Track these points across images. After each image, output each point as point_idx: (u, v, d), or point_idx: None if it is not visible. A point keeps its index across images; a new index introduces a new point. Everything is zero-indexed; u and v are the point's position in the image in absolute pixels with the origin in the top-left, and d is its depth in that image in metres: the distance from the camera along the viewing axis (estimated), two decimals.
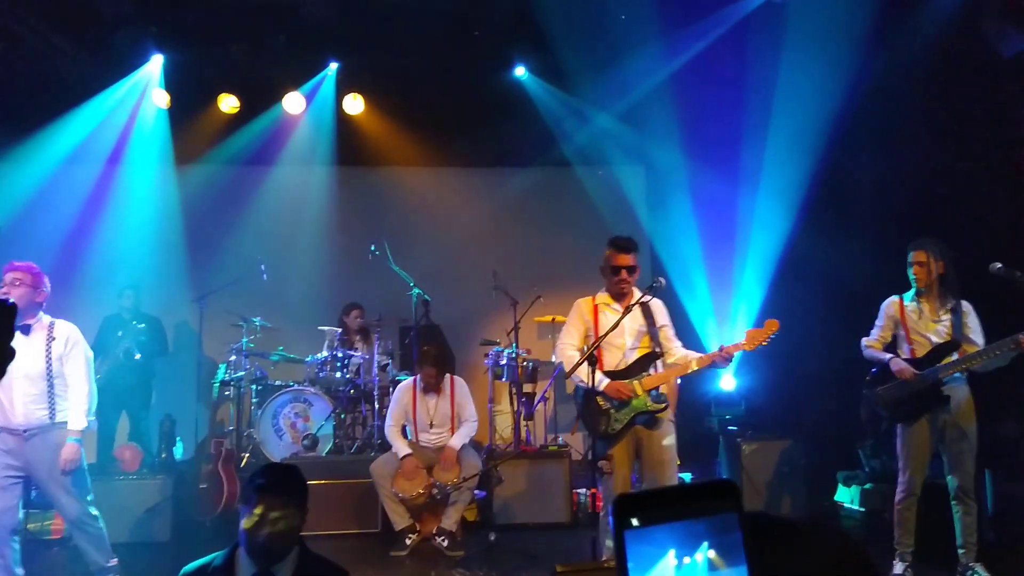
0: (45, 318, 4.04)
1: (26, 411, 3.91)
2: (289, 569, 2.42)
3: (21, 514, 4.26)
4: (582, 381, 3.97)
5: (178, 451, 6.43)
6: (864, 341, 4.52)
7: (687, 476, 6.63)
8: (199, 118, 7.44)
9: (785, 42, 6.03)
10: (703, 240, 7.48)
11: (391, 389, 6.48)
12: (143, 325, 6.52)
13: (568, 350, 4.12)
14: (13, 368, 3.79)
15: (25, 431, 3.90)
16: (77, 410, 4.01)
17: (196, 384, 7.06)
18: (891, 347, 4.45)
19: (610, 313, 4.08)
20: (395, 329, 7.51)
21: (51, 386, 3.96)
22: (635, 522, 0.69)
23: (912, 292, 4.37)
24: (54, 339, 4.01)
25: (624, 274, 4.02)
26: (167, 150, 7.54)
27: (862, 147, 6.54)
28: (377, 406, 6.49)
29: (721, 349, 3.90)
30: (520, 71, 7.48)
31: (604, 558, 4.20)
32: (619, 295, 4.10)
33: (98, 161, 7.54)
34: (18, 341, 3.82)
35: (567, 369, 4.03)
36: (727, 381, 7.18)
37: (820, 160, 6.42)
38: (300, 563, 2.46)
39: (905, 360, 4.28)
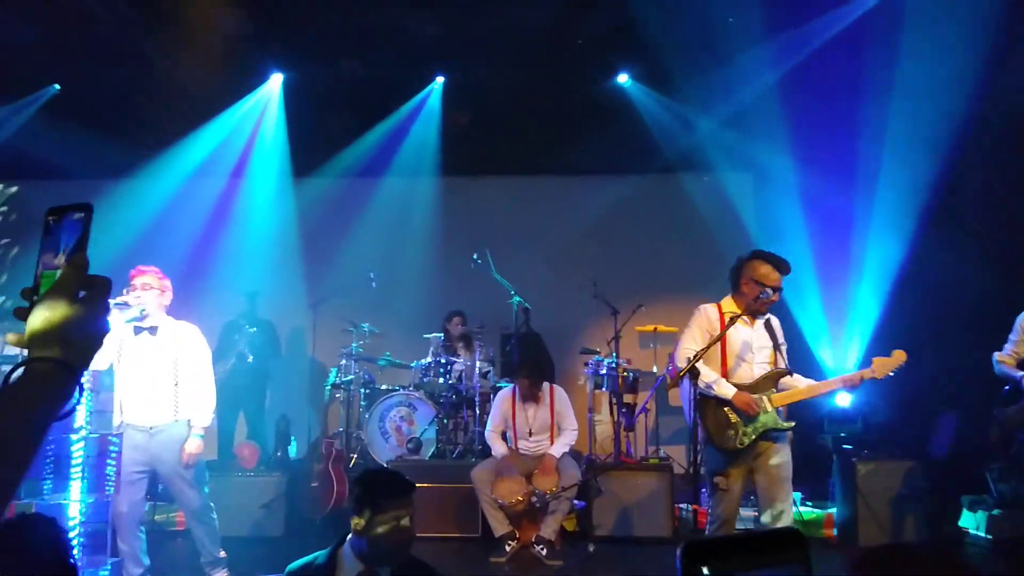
0: (170, 320, 4.29)
1: (152, 409, 4.14)
2: (388, 570, 2.50)
3: (147, 506, 4.57)
4: (709, 389, 3.82)
5: (292, 450, 6.75)
6: (996, 356, 4.20)
7: (798, 496, 6.37)
8: (315, 133, 7.82)
9: (902, 43, 5.70)
10: (815, 251, 7.15)
11: (492, 396, 6.57)
12: (255, 329, 6.90)
13: (690, 355, 3.82)
14: (140, 368, 4.11)
15: (151, 428, 4.14)
16: (201, 408, 4.24)
17: (309, 386, 7.39)
18: None
19: (740, 324, 3.92)
20: (496, 336, 7.59)
21: (175, 385, 4.19)
22: (705, 571, 0.68)
23: None
24: (179, 340, 4.24)
25: (775, 295, 3.88)
26: (286, 164, 7.98)
27: (984, 153, 6.09)
28: (478, 412, 6.58)
29: (857, 374, 3.84)
30: (623, 78, 7.42)
31: None
32: (756, 311, 3.94)
33: (223, 175, 8.09)
34: (145, 341, 4.14)
35: (680, 369, 3.84)
36: (842, 397, 6.84)
37: (940, 167, 6.02)
38: (401, 564, 2.53)
39: None
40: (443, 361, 6.78)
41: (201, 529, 4.30)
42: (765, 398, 3.84)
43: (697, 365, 3.72)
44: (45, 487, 3.43)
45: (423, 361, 6.85)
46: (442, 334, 7.14)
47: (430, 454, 6.42)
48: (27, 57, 6.81)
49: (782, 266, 3.90)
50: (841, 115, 6.42)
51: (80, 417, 3.48)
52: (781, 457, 3.88)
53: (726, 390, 3.82)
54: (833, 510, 5.97)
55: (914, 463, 5.62)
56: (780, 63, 6.41)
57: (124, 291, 4.09)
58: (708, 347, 3.76)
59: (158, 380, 4.16)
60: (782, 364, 3.91)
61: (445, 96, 7.71)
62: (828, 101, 6.44)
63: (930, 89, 5.72)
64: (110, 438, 3.61)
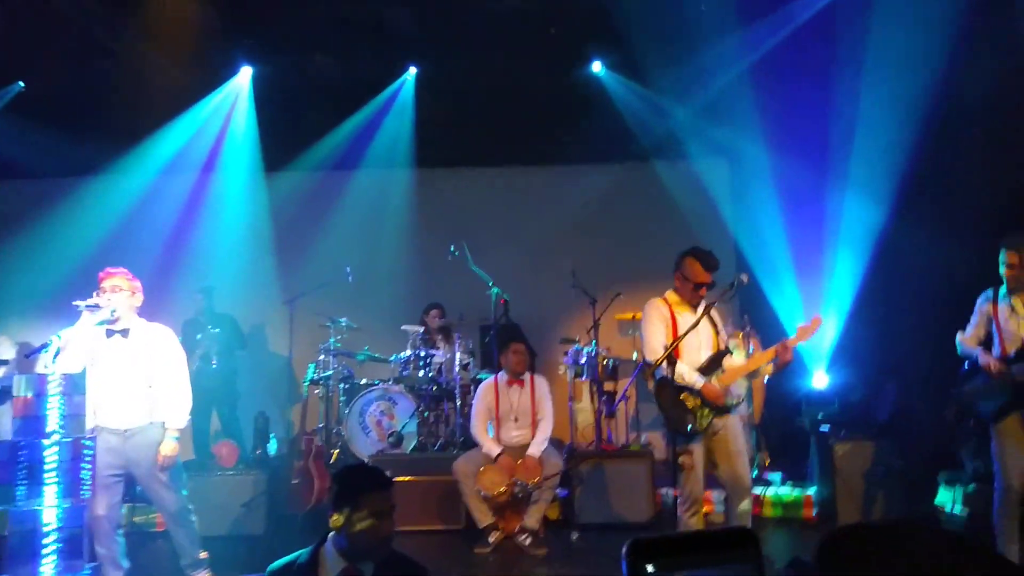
0: (142, 322, 4.23)
1: (126, 412, 4.09)
2: (371, 566, 2.49)
3: (125, 509, 4.50)
4: (681, 379, 4.10)
5: (272, 447, 6.70)
6: (959, 336, 4.32)
7: (777, 476, 6.46)
8: (286, 126, 7.73)
9: (873, 23, 5.74)
10: (790, 235, 7.22)
11: (473, 388, 6.56)
12: (217, 330, 6.83)
13: (659, 348, 4.27)
14: (113, 371, 4.04)
15: (126, 431, 4.09)
16: (175, 409, 4.20)
17: (287, 383, 7.33)
18: (987, 344, 4.20)
19: (686, 314, 4.34)
20: (476, 328, 7.58)
21: (149, 387, 4.14)
22: (650, 568, 0.67)
23: (1004, 289, 4.13)
24: (151, 342, 4.19)
25: (704, 290, 4.34)
26: (257, 158, 7.89)
27: (961, 135, 6.16)
28: (459, 404, 6.57)
29: (781, 343, 4.22)
30: (597, 67, 7.40)
31: None
32: (694, 304, 4.37)
33: (193, 170, 7.97)
34: (117, 344, 4.07)
35: (653, 363, 4.19)
36: (819, 378, 6.93)
37: (915, 149, 6.08)
38: (383, 559, 2.52)
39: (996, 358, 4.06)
40: (423, 354, 6.76)
41: (180, 531, 4.26)
42: (714, 379, 4.24)
43: (662, 352, 4.11)
44: (19, 493, 3.37)
45: (402, 355, 6.82)
46: (421, 327, 7.11)
47: (411, 447, 6.40)
48: None
49: (710, 263, 4.33)
50: (813, 98, 6.47)
51: (53, 421, 3.41)
52: (735, 430, 4.27)
53: (695, 379, 4.18)
54: (812, 490, 6.04)
55: (890, 442, 5.70)
56: (752, 49, 6.44)
57: (94, 293, 4.02)
58: (679, 340, 4.11)
59: (131, 383, 4.11)
60: (723, 346, 4.34)
61: (418, 87, 7.65)
62: (800, 85, 6.48)
63: (901, 68, 5.76)
64: (83, 441, 3.55)
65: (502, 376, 5.77)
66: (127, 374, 4.10)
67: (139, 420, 4.12)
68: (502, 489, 5.29)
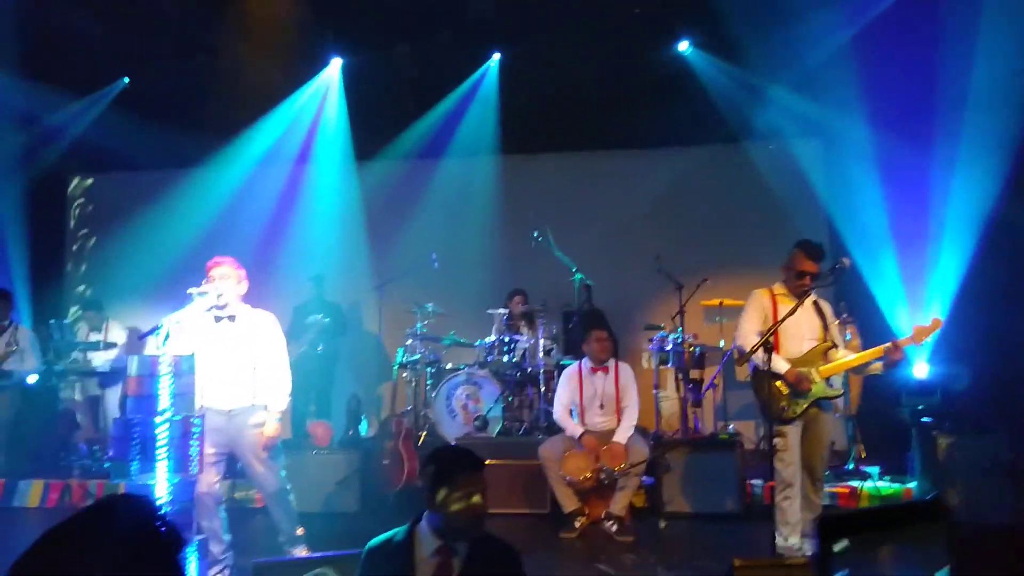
0: (247, 308, 4.41)
1: (231, 393, 4.26)
2: (465, 545, 2.53)
3: (226, 485, 4.71)
4: (764, 366, 4.10)
5: (363, 428, 6.90)
6: None
7: (875, 470, 6.21)
8: (375, 116, 7.90)
9: None
10: (891, 216, 6.87)
11: (556, 373, 6.57)
12: (328, 319, 7.07)
13: (751, 336, 4.37)
14: (220, 354, 4.24)
15: (230, 411, 4.27)
16: (277, 392, 4.35)
17: (377, 366, 7.52)
18: None
19: (788, 304, 4.37)
20: (558, 314, 7.57)
21: (253, 370, 4.30)
22: (842, 544, 0.65)
23: None
24: (255, 327, 4.36)
25: (808, 280, 4.38)
26: (348, 148, 8.11)
27: None
28: (543, 389, 6.59)
29: (892, 343, 4.28)
30: (684, 46, 7.23)
31: (784, 555, 4.07)
32: (797, 294, 4.40)
33: (288, 161, 8.27)
34: (224, 329, 4.27)
35: (746, 352, 4.26)
36: (920, 368, 6.60)
37: None
38: (476, 539, 2.55)
39: None
40: (506, 340, 6.81)
41: (279, 508, 4.43)
42: (813, 370, 4.32)
43: (755, 342, 4.12)
44: (132, 468, 3.59)
45: (487, 340, 6.89)
46: (505, 312, 7.16)
47: (497, 431, 6.47)
48: (97, 52, 7.06)
49: (813, 253, 4.39)
50: (918, 71, 6.11)
51: (164, 400, 3.61)
52: (825, 425, 4.41)
53: (780, 366, 4.27)
54: (913, 485, 5.79)
55: (998, 435, 5.39)
56: (852, 21, 6.13)
57: (203, 281, 4.21)
58: (775, 327, 4.13)
59: (237, 366, 4.27)
60: (829, 340, 4.41)
61: (501, 73, 7.67)
62: (904, 58, 6.12)
63: (1018, 40, 5.37)
64: (192, 420, 3.74)
65: (586, 363, 5.75)
66: (233, 357, 4.27)
67: (243, 401, 4.28)
68: (587, 475, 5.29)
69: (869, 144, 6.91)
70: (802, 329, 4.38)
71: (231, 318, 4.30)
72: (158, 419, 3.59)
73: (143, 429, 3.58)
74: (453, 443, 6.24)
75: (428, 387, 7.00)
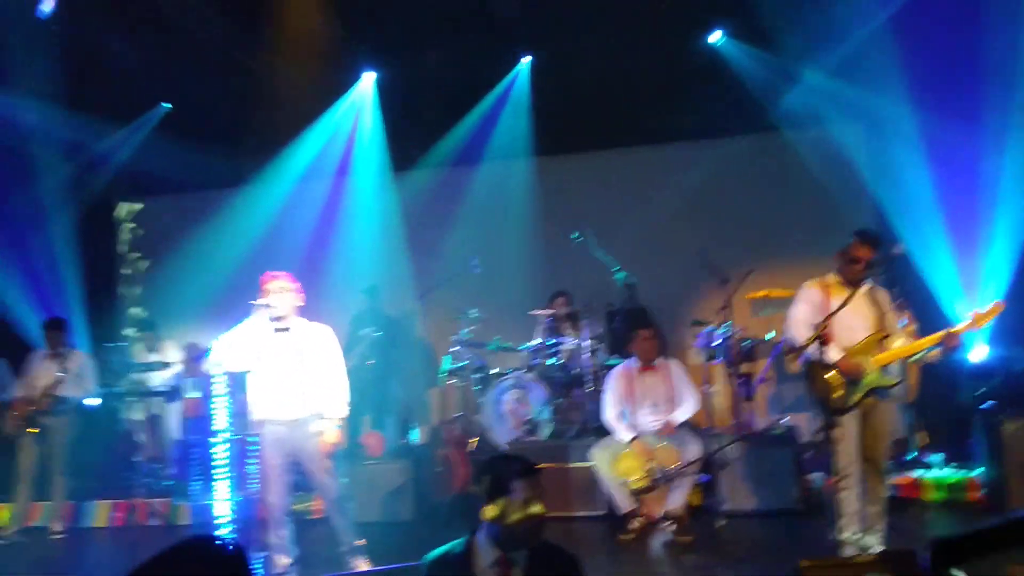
0: (303, 321, 4.50)
1: (292, 404, 4.34)
2: (524, 554, 2.51)
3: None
4: (816, 356, 4.09)
5: (414, 436, 6.94)
6: None
7: (938, 458, 6.04)
8: (410, 126, 7.97)
9: None
10: (941, 198, 6.67)
11: (603, 374, 6.52)
12: (380, 332, 7.14)
13: (800, 327, 4.32)
14: (280, 366, 4.32)
15: (292, 421, 4.34)
16: (336, 400, 4.44)
17: (425, 374, 7.55)
18: None
19: (841, 294, 4.29)
20: (602, 314, 7.51)
21: (312, 381, 4.38)
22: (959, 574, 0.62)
23: None
24: (312, 339, 4.45)
25: (862, 265, 4.29)
26: (385, 159, 8.20)
27: None
28: (591, 390, 6.55)
29: (947, 331, 4.17)
30: (716, 36, 7.12)
31: (847, 551, 3.99)
32: (854, 283, 4.31)
33: (328, 175, 8.40)
34: (282, 341, 4.35)
35: (799, 345, 4.23)
36: (978, 351, 6.39)
37: None
38: (533, 548, 2.54)
39: None
40: (551, 342, 6.79)
41: (340, 517, 4.49)
42: (869, 359, 4.20)
43: (805, 334, 4.19)
44: (194, 488, 3.67)
45: (532, 343, 6.88)
46: (549, 315, 7.13)
47: (547, 435, 6.45)
48: (138, 80, 7.26)
49: (869, 240, 4.31)
50: (963, 48, 5.92)
51: (221, 420, 3.69)
52: (883, 415, 4.31)
53: (832, 355, 4.19)
54: (978, 472, 5.61)
55: None
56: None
57: (259, 296, 4.30)
58: (829, 318, 4.07)
59: (296, 376, 4.35)
60: (885, 329, 4.30)
61: (533, 76, 7.66)
62: (948, 34, 5.94)
63: None
64: (248, 438, 3.81)
65: (634, 362, 5.70)
66: (292, 369, 4.35)
67: (303, 411, 4.36)
68: (641, 475, 5.24)
69: (914, 125, 6.71)
70: (856, 319, 4.28)
71: (288, 330, 4.39)
72: (215, 439, 3.66)
73: (202, 450, 3.66)
74: (504, 448, 6.25)
75: (476, 393, 7.00)
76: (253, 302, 4.23)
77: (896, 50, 6.22)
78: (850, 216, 6.77)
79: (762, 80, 7.15)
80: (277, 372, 4.32)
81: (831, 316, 4.04)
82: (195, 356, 5.05)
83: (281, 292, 4.33)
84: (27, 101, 7.37)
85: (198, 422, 4.56)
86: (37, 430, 6.15)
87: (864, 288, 4.33)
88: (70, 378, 6.29)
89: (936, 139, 6.60)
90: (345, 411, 4.49)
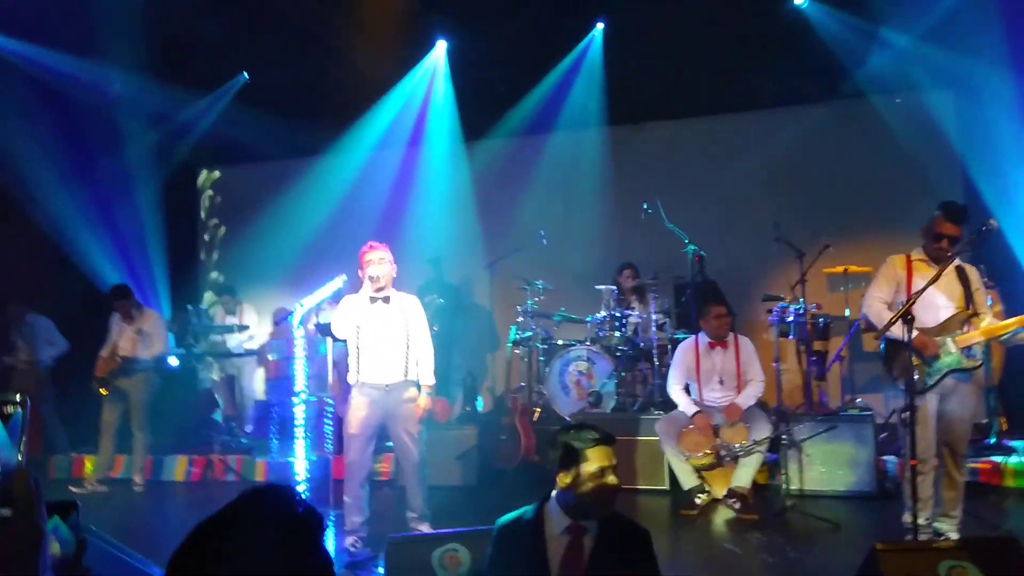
0: (395, 291, 4.65)
1: (388, 369, 4.51)
2: (595, 524, 2.53)
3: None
4: (899, 335, 3.89)
5: (479, 404, 7.04)
6: None
7: (1020, 444, 5.78)
8: (482, 95, 7.94)
9: None
10: None
11: (669, 348, 6.46)
12: (443, 300, 7.23)
13: (877, 304, 4.21)
14: (378, 333, 4.45)
15: (387, 386, 4.51)
16: (426, 368, 4.63)
17: (490, 343, 7.63)
18: None
19: (925, 271, 4.13)
20: (670, 287, 7.41)
21: (406, 348, 4.56)
22: None
23: None
24: (406, 308, 4.63)
25: (945, 243, 4.11)
26: (456, 129, 8.24)
27: None
28: (657, 364, 6.50)
29: None
30: None
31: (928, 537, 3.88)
32: (939, 260, 4.12)
33: (401, 145, 8.49)
34: (380, 310, 4.49)
35: (877, 324, 4.07)
36: None
37: None
38: (604, 518, 2.55)
39: None
40: (617, 315, 6.74)
41: (415, 481, 4.62)
42: (949, 340, 4.05)
43: (883, 312, 4.08)
44: (272, 446, 3.82)
45: (598, 315, 6.84)
46: (615, 287, 7.09)
47: (611, 407, 6.44)
48: (218, 50, 7.44)
49: (952, 214, 4.11)
50: None
51: (299, 382, 3.81)
52: (963, 398, 4.11)
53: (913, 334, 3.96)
54: None
55: None
56: None
57: (360, 267, 4.48)
58: (916, 297, 3.81)
59: (393, 344, 4.51)
60: (970, 308, 4.12)
61: (606, 43, 7.52)
62: None
63: None
64: (326, 399, 3.94)
65: (703, 338, 5.63)
66: (389, 336, 4.52)
67: (398, 377, 4.52)
68: (706, 451, 5.19)
69: (1010, 94, 6.32)
70: (939, 297, 4.11)
71: (385, 299, 4.54)
72: (295, 400, 3.79)
73: (281, 410, 3.80)
74: (568, 419, 6.27)
75: (541, 363, 7.04)
76: (364, 274, 4.40)
77: (993, 11, 5.84)
78: (937, 189, 6.47)
79: (847, 44, 6.84)
80: (374, 339, 4.49)
81: (919, 294, 3.84)
82: (278, 320, 5.21)
83: (381, 263, 4.48)
84: (116, 71, 7.67)
85: (279, 383, 4.74)
86: (106, 391, 6.39)
87: (952, 264, 4.12)
88: (141, 339, 6.52)
89: None
90: (434, 379, 4.68)
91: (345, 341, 4.36)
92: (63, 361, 7.36)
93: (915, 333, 3.93)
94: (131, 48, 7.09)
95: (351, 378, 4.50)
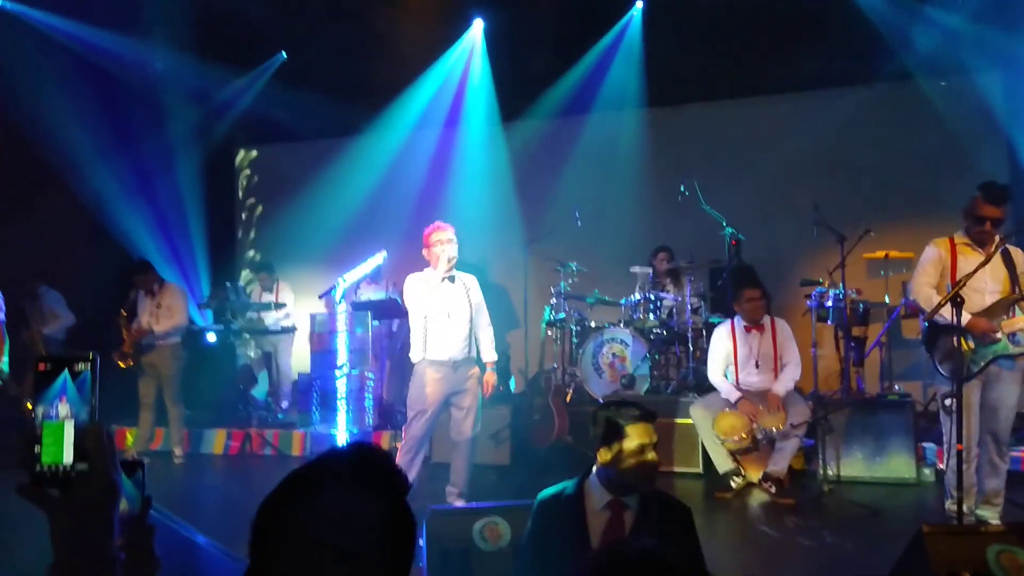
0: (456, 270, 4.73)
1: (456, 346, 4.60)
2: (636, 499, 2.53)
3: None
4: (947, 321, 3.81)
5: (511, 385, 7.05)
6: None
7: None
8: (519, 75, 7.90)
9: None
10: None
11: (704, 332, 6.41)
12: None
13: (926, 289, 4.12)
14: (446, 310, 4.54)
15: (453, 361, 4.61)
16: (488, 345, 4.79)
17: (524, 324, 7.61)
18: None
19: (969, 254, 4.09)
20: (706, 270, 7.34)
21: (470, 325, 4.67)
22: None
23: None
24: (469, 287, 4.74)
25: (988, 226, 4.03)
26: (494, 109, 8.22)
27: None
28: (691, 348, 6.46)
29: None
30: None
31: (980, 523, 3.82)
32: (980, 242, 4.10)
33: (438, 125, 8.49)
34: (446, 288, 4.60)
35: (926, 309, 3.98)
36: None
37: None
38: (644, 494, 2.55)
39: None
40: (652, 298, 6.71)
41: (462, 458, 4.70)
42: (996, 324, 3.96)
43: (933, 297, 3.97)
44: (314, 418, 3.89)
45: (632, 298, 6.81)
46: (650, 270, 7.04)
47: (644, 390, 6.43)
48: (256, 30, 7.49)
49: (993, 195, 4.00)
50: None
51: (342, 355, 3.86)
52: (1007, 385, 4.03)
53: (962, 318, 3.85)
54: None
55: None
56: None
57: (428, 245, 4.59)
58: (964, 281, 3.73)
59: (459, 321, 4.63)
60: (1016, 292, 4.02)
61: (645, 23, 7.42)
62: None
63: None
64: (367, 374, 3.98)
65: (739, 321, 5.59)
66: (456, 313, 4.63)
67: (464, 353, 4.64)
68: (742, 435, 5.16)
69: None
70: (984, 281, 4.03)
71: (451, 278, 4.65)
72: (337, 372, 3.83)
73: (323, 382, 3.84)
74: (601, 401, 6.27)
75: (574, 345, 7.03)
76: (448, 262, 4.55)
77: None
78: (982, 172, 6.28)
79: (892, 23, 6.67)
80: (441, 316, 4.59)
81: (968, 277, 3.75)
82: (321, 294, 5.27)
83: (451, 243, 4.59)
84: (157, 49, 7.76)
85: (321, 356, 4.80)
86: (124, 364, 6.39)
87: (1000, 248, 4.04)
88: (163, 313, 6.49)
89: None
90: (495, 356, 4.84)
91: (400, 318, 4.41)
92: (95, 334, 7.40)
93: (968, 317, 3.90)
94: (172, 26, 7.17)
95: (416, 355, 4.60)
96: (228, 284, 8.03)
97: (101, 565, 0.95)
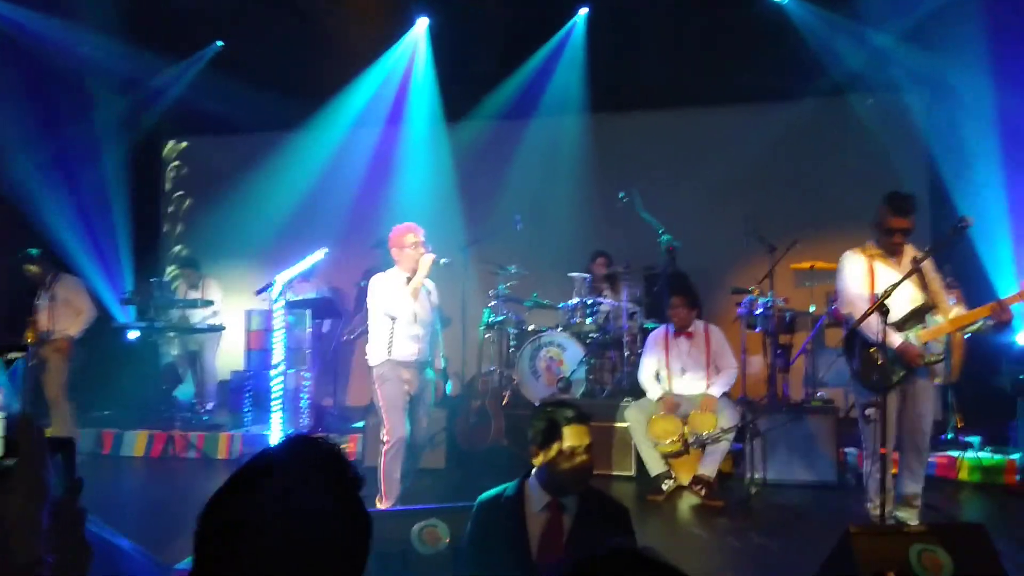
0: None
1: (421, 348, 4.66)
2: (575, 501, 2.55)
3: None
4: (878, 336, 3.84)
5: (448, 387, 6.99)
6: None
7: (976, 439, 5.97)
8: (463, 76, 7.86)
9: None
10: (1006, 174, 6.44)
11: (640, 337, 6.51)
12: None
13: (860, 302, 4.11)
14: (413, 312, 4.51)
15: (417, 363, 4.64)
16: (440, 349, 4.91)
17: (462, 326, 7.57)
18: None
19: (883, 265, 4.16)
20: (641, 276, 7.45)
21: (432, 328, 4.75)
22: None
23: None
24: (429, 290, 4.77)
25: (898, 237, 4.09)
26: (437, 109, 8.14)
27: None
28: (627, 353, 6.55)
29: (998, 302, 3.95)
30: None
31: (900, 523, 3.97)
32: (891, 252, 4.17)
33: (379, 123, 8.35)
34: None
35: (855, 317, 3.99)
36: (1022, 335, 6.24)
37: None
38: (583, 496, 2.57)
39: None
40: (589, 302, 6.77)
41: (414, 456, 4.74)
42: (911, 334, 4.04)
43: (863, 307, 3.93)
44: (246, 419, 3.76)
45: (570, 302, 6.86)
46: (587, 275, 7.11)
47: (580, 393, 6.47)
48: (191, 16, 7.23)
49: (899, 206, 4.05)
50: None
51: (277, 353, 3.75)
52: (924, 392, 4.13)
53: (893, 339, 3.93)
54: (1016, 456, 5.57)
55: None
56: None
57: (394, 249, 4.62)
58: (888, 293, 3.75)
59: (425, 324, 4.69)
60: (927, 299, 4.09)
61: (589, 28, 7.49)
62: None
63: None
64: (303, 373, 3.89)
65: (671, 327, 5.69)
66: (420, 315, 4.67)
67: (425, 355, 4.71)
68: (674, 439, 5.26)
69: (983, 95, 6.46)
70: (901, 290, 4.04)
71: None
72: (272, 372, 3.72)
73: (256, 382, 3.73)
74: (536, 404, 6.28)
75: (511, 348, 7.03)
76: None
77: (975, 18, 5.96)
78: (904, 188, 6.59)
79: (826, 41, 6.93)
80: (411, 318, 4.60)
81: (894, 287, 3.79)
82: (258, 291, 5.10)
83: (424, 246, 4.64)
84: (85, 32, 7.39)
85: (257, 355, 4.65)
86: (11, 357, 5.99)
87: (906, 256, 4.13)
88: (59, 305, 6.08)
89: (1008, 109, 6.33)
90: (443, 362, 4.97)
91: (334, 318, 4.33)
92: (8, 330, 6.99)
93: (900, 339, 3.97)
94: (100, 8, 6.84)
95: (377, 356, 4.57)
96: (153, 280, 7.71)
97: (24, 571, 0.89)
